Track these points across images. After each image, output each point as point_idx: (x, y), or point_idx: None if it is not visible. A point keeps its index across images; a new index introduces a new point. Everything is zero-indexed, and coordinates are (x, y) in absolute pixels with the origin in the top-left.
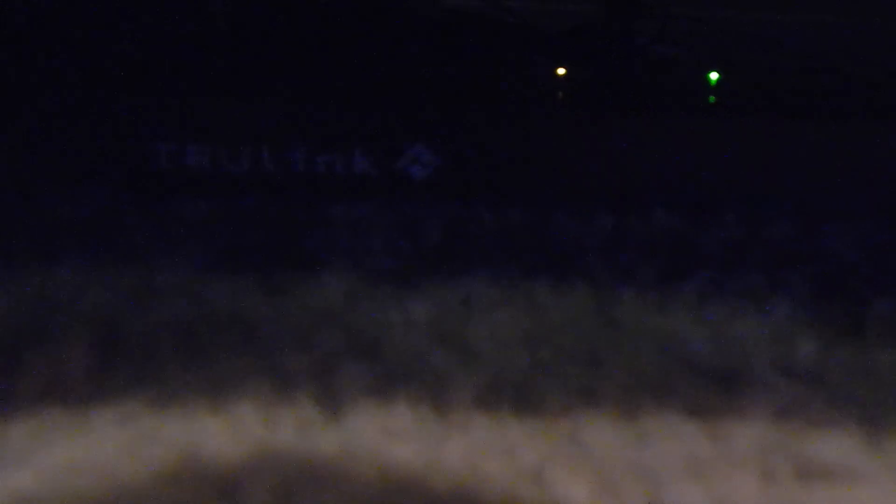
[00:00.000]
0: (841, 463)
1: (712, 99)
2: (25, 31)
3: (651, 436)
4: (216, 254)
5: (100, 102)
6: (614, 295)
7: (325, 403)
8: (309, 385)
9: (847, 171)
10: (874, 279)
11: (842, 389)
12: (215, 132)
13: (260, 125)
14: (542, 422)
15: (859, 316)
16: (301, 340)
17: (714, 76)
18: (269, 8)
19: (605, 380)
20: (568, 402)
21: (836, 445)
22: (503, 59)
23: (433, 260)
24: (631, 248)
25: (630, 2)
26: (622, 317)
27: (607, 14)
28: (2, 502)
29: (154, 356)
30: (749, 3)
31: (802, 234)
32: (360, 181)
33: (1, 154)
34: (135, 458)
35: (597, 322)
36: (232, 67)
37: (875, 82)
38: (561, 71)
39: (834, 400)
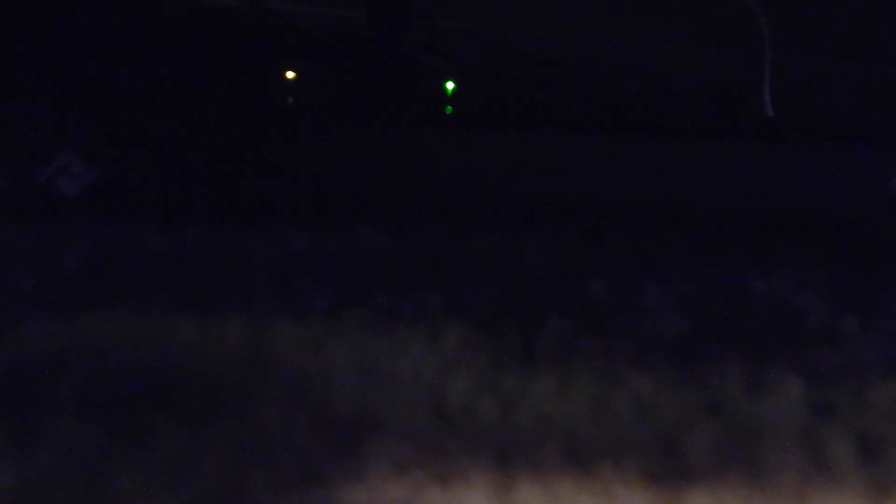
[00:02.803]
0: None
1: (449, 109)
2: None
3: None
4: None
5: None
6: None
7: None
8: None
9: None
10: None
11: None
12: None
13: None
14: None
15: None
16: None
17: (450, 85)
18: None
19: None
20: None
21: None
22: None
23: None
24: (321, 266)
25: (395, 11)
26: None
27: (371, 22)
28: None
29: None
30: (519, 20)
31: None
32: None
33: None
34: None
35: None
36: None
37: (611, 96)
38: (290, 75)
39: None
